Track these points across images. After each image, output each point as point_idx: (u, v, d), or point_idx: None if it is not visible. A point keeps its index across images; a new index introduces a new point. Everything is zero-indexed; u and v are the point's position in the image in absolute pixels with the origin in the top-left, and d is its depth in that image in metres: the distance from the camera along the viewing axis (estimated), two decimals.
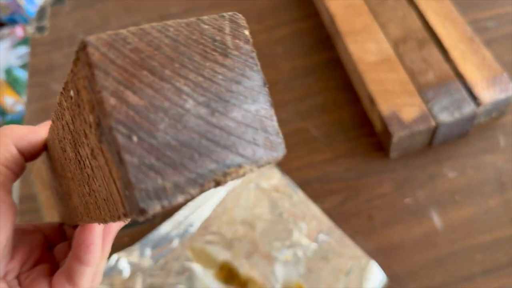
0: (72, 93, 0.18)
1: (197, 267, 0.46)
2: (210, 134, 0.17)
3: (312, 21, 0.64)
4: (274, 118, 0.19)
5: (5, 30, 1.40)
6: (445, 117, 0.47)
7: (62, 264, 0.31)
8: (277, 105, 0.56)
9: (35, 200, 0.52)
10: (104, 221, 0.20)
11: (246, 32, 0.19)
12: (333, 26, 0.57)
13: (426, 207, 0.47)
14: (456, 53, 0.51)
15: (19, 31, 1.40)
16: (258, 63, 0.19)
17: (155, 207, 0.15)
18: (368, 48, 0.53)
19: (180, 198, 0.16)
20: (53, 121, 0.25)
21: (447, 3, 0.55)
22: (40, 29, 0.71)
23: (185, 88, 0.16)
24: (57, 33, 0.70)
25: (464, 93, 0.48)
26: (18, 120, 1.38)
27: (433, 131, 0.48)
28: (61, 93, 0.20)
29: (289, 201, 0.49)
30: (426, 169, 0.50)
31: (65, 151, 0.24)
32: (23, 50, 1.37)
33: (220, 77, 0.17)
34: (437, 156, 0.50)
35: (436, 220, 0.47)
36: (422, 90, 0.49)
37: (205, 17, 0.18)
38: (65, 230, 0.35)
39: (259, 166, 0.18)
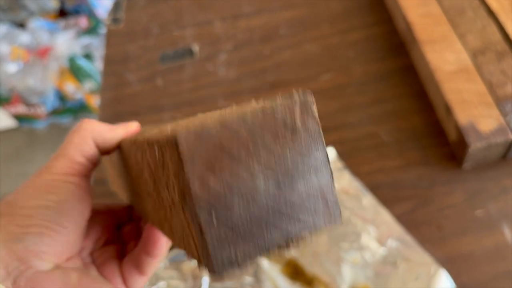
0: (156, 150, 0.20)
1: (263, 261, 0.47)
2: (277, 206, 0.19)
3: (385, 27, 0.64)
4: (334, 189, 0.20)
5: (70, 20, 1.46)
6: None
7: (130, 247, 0.34)
8: (348, 108, 0.57)
9: (107, 184, 0.55)
10: (178, 246, 0.22)
11: (314, 108, 0.20)
12: (409, 34, 0.57)
13: (497, 220, 0.47)
14: None
15: (83, 21, 1.45)
16: (323, 140, 0.20)
17: (228, 273, 0.17)
18: (446, 58, 0.53)
19: (249, 264, 0.18)
20: (133, 142, 0.27)
21: None
22: (115, 20, 0.74)
23: (257, 167, 0.18)
24: (132, 26, 0.73)
25: None
26: (76, 108, 1.43)
27: (510, 145, 0.48)
28: (146, 142, 0.22)
29: (358, 204, 0.49)
30: (499, 182, 0.49)
31: (142, 173, 0.25)
32: (87, 40, 1.41)
33: (288, 153, 0.19)
34: (511, 169, 0.50)
35: (508, 234, 0.46)
36: (500, 102, 0.49)
37: (278, 102, 0.19)
38: (133, 212, 0.37)
39: (318, 231, 0.20)
